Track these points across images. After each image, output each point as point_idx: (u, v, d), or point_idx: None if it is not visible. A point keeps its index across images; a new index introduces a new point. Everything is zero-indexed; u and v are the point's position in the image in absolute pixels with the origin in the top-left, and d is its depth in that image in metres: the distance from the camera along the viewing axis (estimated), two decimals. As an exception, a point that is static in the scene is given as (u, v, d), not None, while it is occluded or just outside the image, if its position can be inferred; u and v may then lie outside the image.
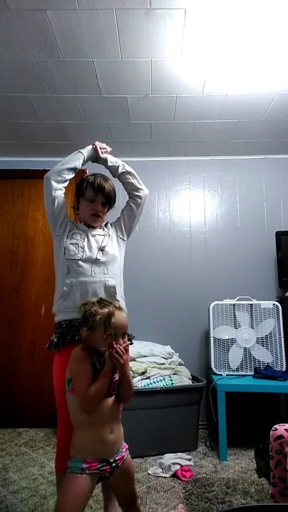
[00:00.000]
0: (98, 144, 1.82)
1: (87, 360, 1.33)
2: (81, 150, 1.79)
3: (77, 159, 1.77)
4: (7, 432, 2.98)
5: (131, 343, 1.73)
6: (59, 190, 1.72)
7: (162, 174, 3.48)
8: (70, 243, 1.67)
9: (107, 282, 1.64)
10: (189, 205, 3.45)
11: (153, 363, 2.74)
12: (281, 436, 1.48)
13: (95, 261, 1.64)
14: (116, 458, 1.33)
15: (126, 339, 1.39)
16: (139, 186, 1.86)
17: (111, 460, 1.31)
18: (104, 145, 1.84)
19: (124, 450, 1.39)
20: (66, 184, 1.76)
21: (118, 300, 1.68)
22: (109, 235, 1.76)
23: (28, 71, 2.27)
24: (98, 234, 1.73)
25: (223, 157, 3.48)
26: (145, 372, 2.65)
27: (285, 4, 1.79)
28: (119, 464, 1.34)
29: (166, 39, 2.03)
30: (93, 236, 1.72)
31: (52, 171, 1.73)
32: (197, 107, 2.68)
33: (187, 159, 3.50)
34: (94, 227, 1.76)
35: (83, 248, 1.66)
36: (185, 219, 3.43)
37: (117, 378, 1.37)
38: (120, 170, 1.85)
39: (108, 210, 1.80)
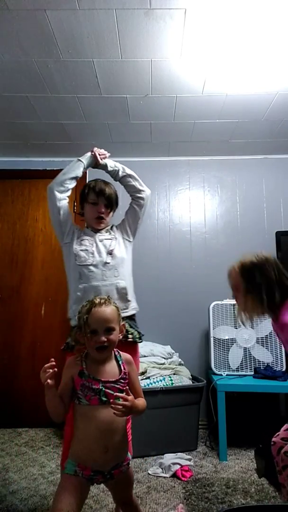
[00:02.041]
0: (96, 150, 1.85)
1: (69, 367, 1.33)
2: (80, 159, 1.84)
3: (77, 167, 1.81)
4: (7, 432, 2.98)
5: (140, 341, 1.74)
6: (63, 200, 1.78)
7: (162, 174, 3.47)
8: (80, 250, 1.72)
9: (119, 284, 1.69)
10: (189, 205, 3.45)
11: (153, 363, 2.74)
12: (281, 448, 1.47)
13: (105, 265, 1.69)
14: (112, 471, 1.29)
15: (113, 335, 1.30)
16: (140, 188, 1.89)
17: (105, 473, 1.28)
18: (102, 151, 1.87)
19: (125, 463, 1.33)
20: (69, 193, 1.82)
21: (130, 300, 1.73)
22: (116, 238, 1.80)
23: (28, 71, 2.27)
24: (105, 239, 1.78)
25: (223, 157, 3.48)
26: (145, 372, 2.65)
27: (285, 4, 1.79)
28: (115, 475, 1.30)
29: (166, 39, 2.03)
30: (101, 240, 1.77)
31: (55, 182, 1.78)
32: (197, 107, 2.67)
33: (187, 159, 3.49)
34: (100, 231, 1.80)
35: (92, 253, 1.71)
36: (185, 219, 3.43)
37: (118, 386, 1.31)
38: (120, 173, 1.88)
39: (111, 212, 1.85)
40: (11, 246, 3.39)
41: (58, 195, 1.75)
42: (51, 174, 3.39)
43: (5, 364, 3.18)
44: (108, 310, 1.31)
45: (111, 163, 1.88)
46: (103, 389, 1.28)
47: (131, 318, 1.78)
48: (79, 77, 2.34)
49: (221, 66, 2.24)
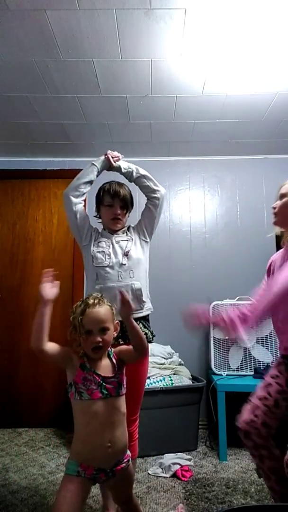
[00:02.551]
0: (110, 153, 1.88)
1: (70, 350, 1.35)
2: (94, 162, 1.86)
3: (91, 172, 1.84)
4: (7, 432, 2.98)
5: (152, 341, 1.77)
6: (78, 204, 1.81)
7: (162, 174, 3.46)
8: (97, 251, 1.76)
9: (134, 286, 1.72)
10: (189, 205, 3.45)
11: (153, 363, 2.74)
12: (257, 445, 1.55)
13: (121, 266, 1.72)
14: (114, 468, 1.30)
15: (107, 335, 1.33)
16: (155, 187, 1.91)
17: (108, 470, 1.29)
18: (115, 153, 1.90)
19: (125, 460, 1.35)
20: (84, 197, 1.85)
21: (145, 301, 1.75)
22: (132, 239, 1.83)
23: (28, 71, 2.27)
24: (122, 240, 1.81)
25: (223, 157, 3.48)
26: (145, 372, 2.65)
27: (285, 4, 1.79)
28: (117, 473, 1.31)
29: (166, 39, 2.02)
30: (117, 242, 1.79)
31: (70, 187, 1.82)
32: (197, 107, 2.67)
33: (187, 159, 3.49)
34: (117, 233, 1.83)
35: (109, 255, 1.74)
36: (185, 219, 3.43)
37: (116, 379, 1.34)
38: (134, 174, 1.91)
39: (126, 213, 1.88)
40: (11, 246, 3.39)
41: (73, 199, 1.79)
42: (51, 174, 3.45)
43: (5, 364, 3.18)
44: (102, 310, 1.34)
45: (124, 165, 1.91)
46: (103, 383, 1.30)
47: (145, 318, 1.80)
48: (79, 77, 2.34)
49: (221, 66, 2.24)
